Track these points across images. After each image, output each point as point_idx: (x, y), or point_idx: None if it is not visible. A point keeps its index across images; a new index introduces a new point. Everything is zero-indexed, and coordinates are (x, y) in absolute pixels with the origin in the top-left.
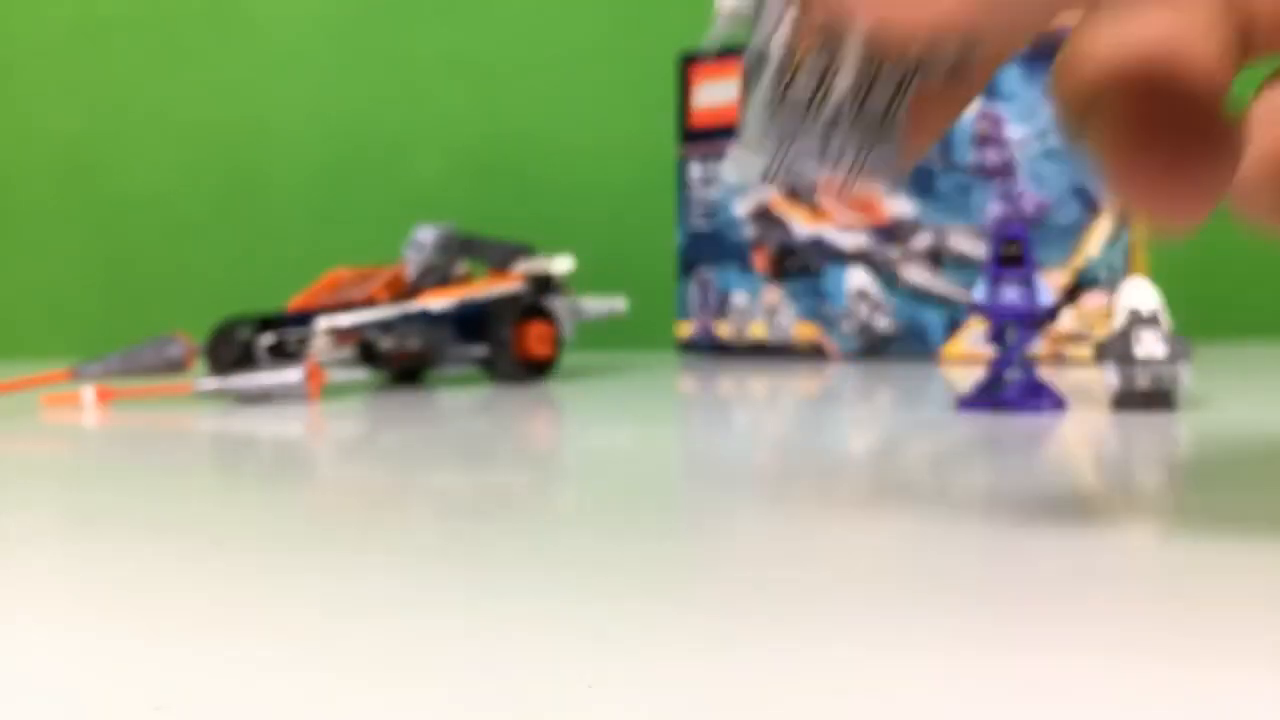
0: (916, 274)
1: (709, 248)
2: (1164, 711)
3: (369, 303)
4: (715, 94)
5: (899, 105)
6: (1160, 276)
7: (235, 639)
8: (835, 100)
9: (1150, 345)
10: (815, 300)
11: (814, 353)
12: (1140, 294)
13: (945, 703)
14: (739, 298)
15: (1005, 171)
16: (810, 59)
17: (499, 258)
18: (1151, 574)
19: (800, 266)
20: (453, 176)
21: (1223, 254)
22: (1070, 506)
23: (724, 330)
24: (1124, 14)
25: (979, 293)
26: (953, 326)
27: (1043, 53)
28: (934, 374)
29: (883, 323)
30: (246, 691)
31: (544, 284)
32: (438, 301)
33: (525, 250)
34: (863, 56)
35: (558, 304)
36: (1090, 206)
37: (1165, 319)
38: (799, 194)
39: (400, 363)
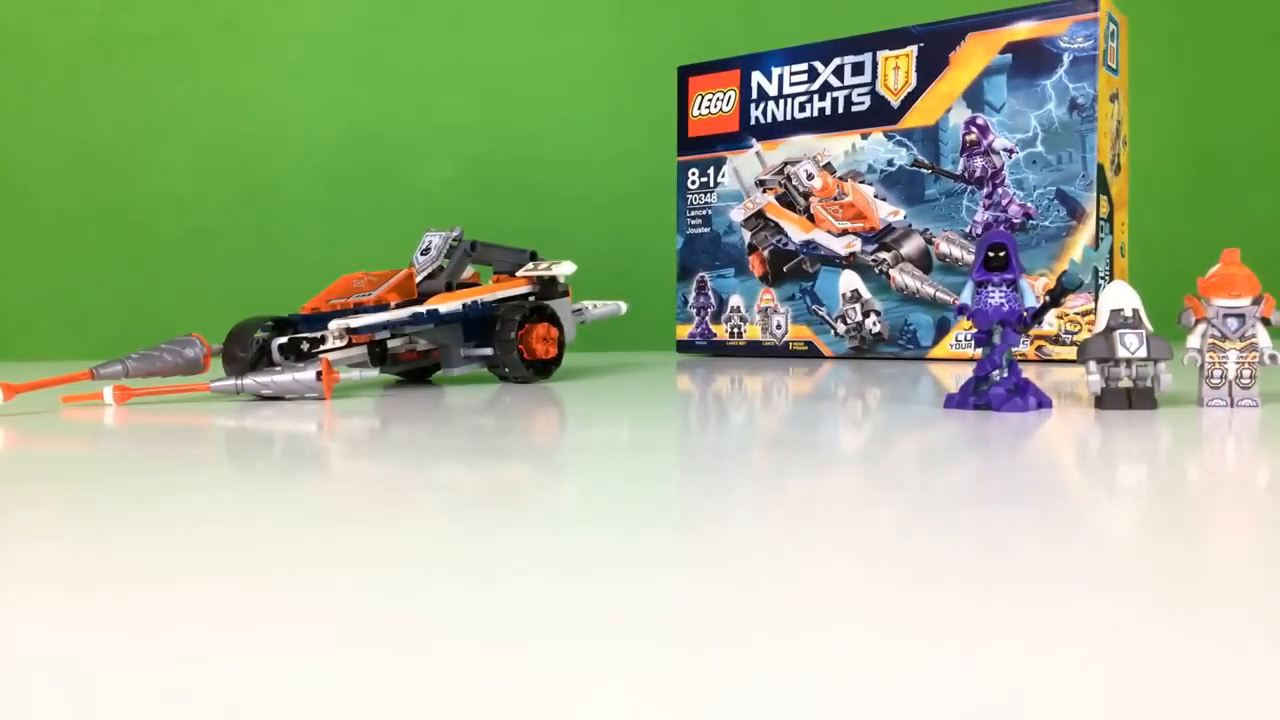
0: (906, 278)
1: (707, 252)
2: (1147, 691)
3: (380, 305)
4: (712, 104)
5: None
6: (1141, 279)
7: (246, 627)
8: None
9: (1131, 345)
10: (809, 302)
11: (808, 353)
12: (1122, 295)
13: (932, 681)
14: (736, 300)
15: (992, 179)
16: None
17: (505, 262)
18: (1132, 563)
19: (795, 270)
20: (460, 184)
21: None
22: (1054, 499)
23: (721, 331)
24: None
25: (966, 296)
26: (941, 328)
27: (1029, 65)
28: (923, 374)
29: (874, 324)
30: (258, 676)
31: (548, 287)
32: (446, 304)
33: (530, 255)
34: None
35: (561, 307)
36: (1074, 213)
37: (1146, 320)
38: (793, 201)
39: (409, 362)
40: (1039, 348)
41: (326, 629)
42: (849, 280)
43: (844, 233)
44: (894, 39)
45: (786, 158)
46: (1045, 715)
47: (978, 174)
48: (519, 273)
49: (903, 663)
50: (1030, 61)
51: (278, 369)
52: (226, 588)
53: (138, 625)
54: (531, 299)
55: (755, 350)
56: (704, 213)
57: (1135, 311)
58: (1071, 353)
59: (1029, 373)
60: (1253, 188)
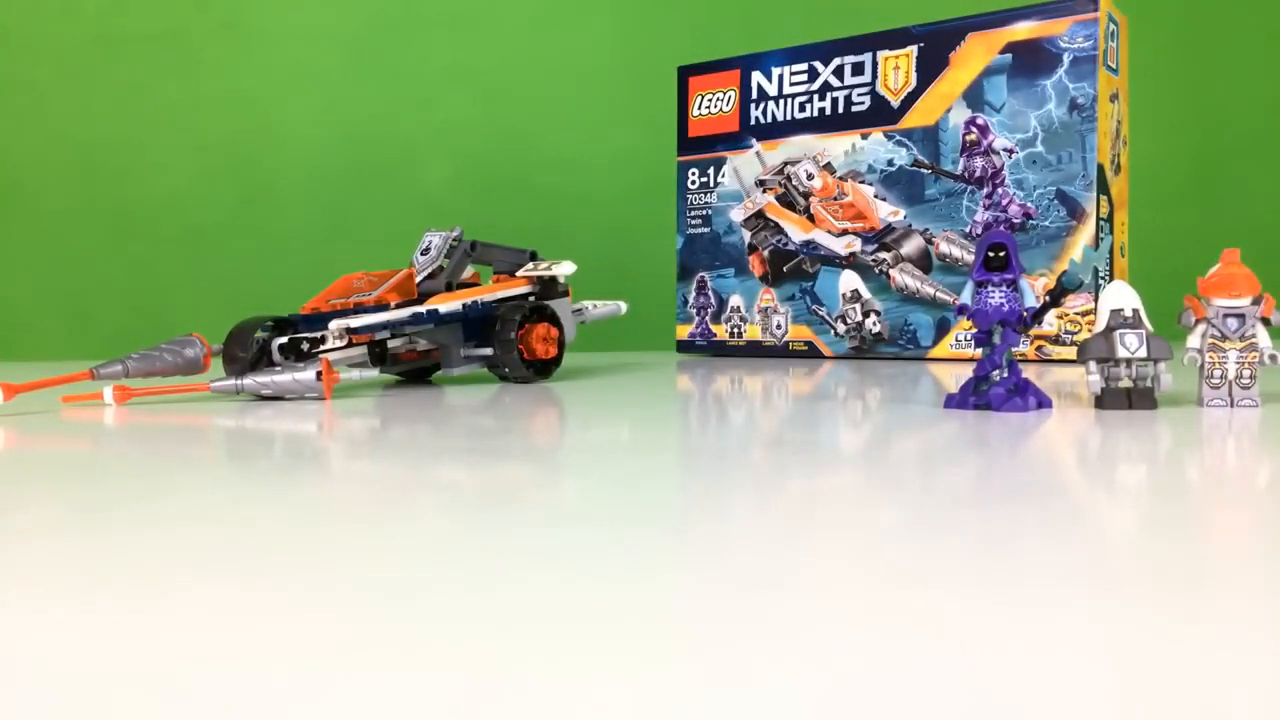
0: (906, 278)
1: (707, 252)
2: (1147, 691)
3: (380, 305)
4: (712, 104)
5: None
6: (1141, 279)
7: (246, 627)
8: None
9: (1131, 345)
10: (809, 302)
11: (808, 353)
12: (1122, 295)
13: (932, 681)
14: (736, 300)
15: (992, 179)
16: None
17: (505, 262)
18: (1132, 563)
19: (795, 270)
20: (460, 184)
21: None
22: (1054, 499)
23: (721, 331)
24: None
25: (966, 296)
26: (941, 328)
27: (1029, 65)
28: (923, 374)
29: (874, 324)
30: (258, 676)
31: (548, 287)
32: (446, 304)
33: (530, 255)
34: None
35: (561, 307)
36: (1074, 213)
37: (1146, 320)
38: (793, 202)
39: (409, 362)
40: (1039, 348)
41: (326, 629)
42: (849, 280)
43: (844, 233)
44: (894, 39)
45: (786, 158)
46: (1045, 715)
47: (978, 174)
48: (519, 273)
49: (903, 663)
50: (1030, 61)
51: (278, 369)
52: (227, 588)
53: (138, 625)
54: (531, 299)
55: (755, 350)
56: (704, 213)
57: (1135, 311)
58: (1071, 353)
59: (1029, 373)
60: (1253, 188)
